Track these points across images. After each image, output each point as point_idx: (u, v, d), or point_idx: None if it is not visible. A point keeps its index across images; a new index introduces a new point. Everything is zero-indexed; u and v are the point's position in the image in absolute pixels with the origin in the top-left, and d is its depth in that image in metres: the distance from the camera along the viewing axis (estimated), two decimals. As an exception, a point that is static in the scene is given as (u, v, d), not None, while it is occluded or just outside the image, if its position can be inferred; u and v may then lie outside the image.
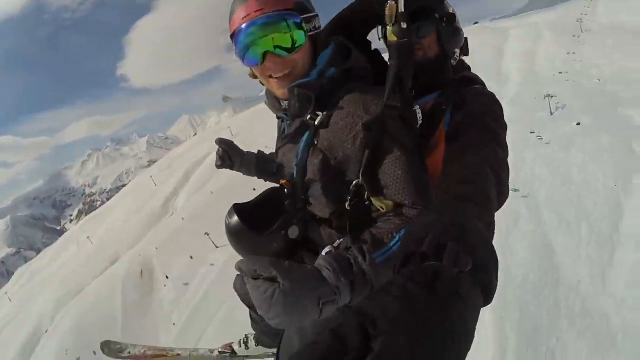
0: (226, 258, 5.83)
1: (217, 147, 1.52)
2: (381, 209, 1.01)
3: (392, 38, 1.07)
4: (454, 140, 1.06)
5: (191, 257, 6.26)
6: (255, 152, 1.60)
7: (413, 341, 0.46)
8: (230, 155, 1.54)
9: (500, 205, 0.93)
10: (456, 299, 0.52)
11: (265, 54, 1.08)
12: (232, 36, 1.13)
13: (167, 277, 5.74)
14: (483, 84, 1.31)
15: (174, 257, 6.77)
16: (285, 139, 1.24)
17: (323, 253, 0.96)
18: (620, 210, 4.21)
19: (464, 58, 1.42)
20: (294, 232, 1.15)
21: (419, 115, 1.13)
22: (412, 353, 0.46)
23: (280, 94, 1.16)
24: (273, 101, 1.24)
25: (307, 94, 1.12)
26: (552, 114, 7.37)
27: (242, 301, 1.57)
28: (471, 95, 1.20)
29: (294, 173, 1.16)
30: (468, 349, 0.51)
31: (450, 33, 1.33)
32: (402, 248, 0.79)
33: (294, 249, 1.18)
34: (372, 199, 1.03)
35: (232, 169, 1.56)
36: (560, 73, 9.79)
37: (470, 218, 0.69)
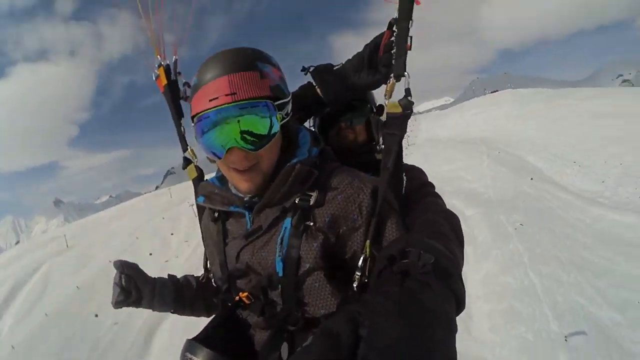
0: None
1: (113, 272, 1.19)
2: None
3: (395, 110, 1.08)
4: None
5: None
6: (158, 276, 1.33)
7: (390, 321, 0.57)
8: (137, 284, 1.21)
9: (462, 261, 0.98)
10: (425, 288, 0.64)
11: (230, 149, 0.97)
12: (194, 115, 1.01)
13: None
14: None
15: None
16: (251, 235, 1.07)
17: None
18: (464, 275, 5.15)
19: None
20: (285, 351, 1.00)
21: (404, 182, 1.18)
22: (391, 331, 0.55)
23: (244, 187, 1.04)
24: (224, 195, 1.12)
25: (310, 170, 1.03)
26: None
27: None
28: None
29: (278, 270, 1.00)
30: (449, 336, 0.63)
31: (378, 122, 1.51)
32: None
33: None
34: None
35: (137, 305, 1.23)
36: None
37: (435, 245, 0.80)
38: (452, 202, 7.93)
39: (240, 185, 1.03)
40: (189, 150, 1.38)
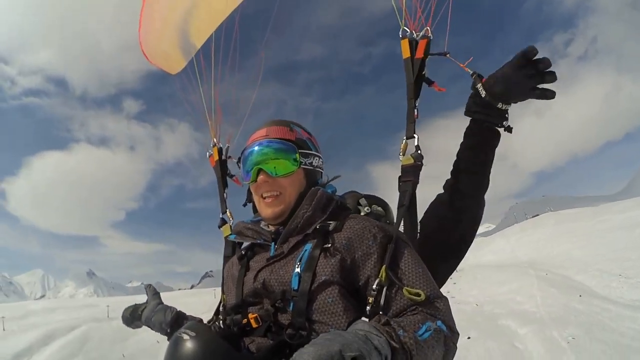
0: None
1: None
2: (417, 297, 0.98)
3: (409, 162, 1.24)
4: None
5: None
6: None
7: None
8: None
9: None
10: None
11: (258, 171, 1.21)
12: (242, 156, 1.29)
13: None
14: None
15: None
16: (272, 258, 1.18)
17: (363, 319, 0.98)
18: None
19: None
20: None
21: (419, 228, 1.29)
22: None
23: (268, 213, 1.23)
24: (255, 229, 1.28)
25: (331, 196, 1.22)
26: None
27: None
28: None
29: (294, 284, 1.06)
30: None
31: None
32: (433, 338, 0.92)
33: None
34: (405, 289, 1.00)
35: (136, 314, 1.48)
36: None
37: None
38: (505, 323, 8.24)
39: (265, 211, 1.24)
40: (227, 212, 1.67)
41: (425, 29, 1.32)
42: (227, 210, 1.68)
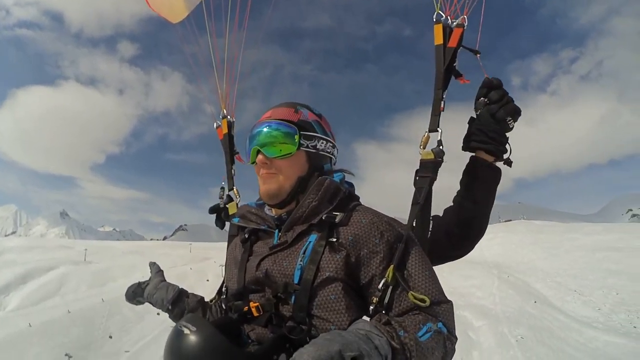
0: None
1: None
2: (422, 303, 0.96)
3: (428, 157, 1.20)
4: None
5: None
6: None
7: None
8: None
9: None
10: None
11: (256, 152, 1.18)
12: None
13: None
14: None
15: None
16: (275, 247, 1.14)
17: (364, 318, 0.96)
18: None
19: None
20: None
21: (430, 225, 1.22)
22: None
23: (262, 190, 1.19)
24: (259, 214, 1.25)
25: (338, 186, 1.15)
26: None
27: None
28: None
29: (296, 278, 1.04)
30: None
31: None
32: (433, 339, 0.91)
33: None
34: (410, 293, 0.97)
35: (140, 299, 1.44)
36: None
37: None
38: (463, 314, 8.79)
39: (261, 188, 1.19)
40: (234, 189, 1.62)
41: (462, 17, 1.26)
42: (234, 187, 1.64)
